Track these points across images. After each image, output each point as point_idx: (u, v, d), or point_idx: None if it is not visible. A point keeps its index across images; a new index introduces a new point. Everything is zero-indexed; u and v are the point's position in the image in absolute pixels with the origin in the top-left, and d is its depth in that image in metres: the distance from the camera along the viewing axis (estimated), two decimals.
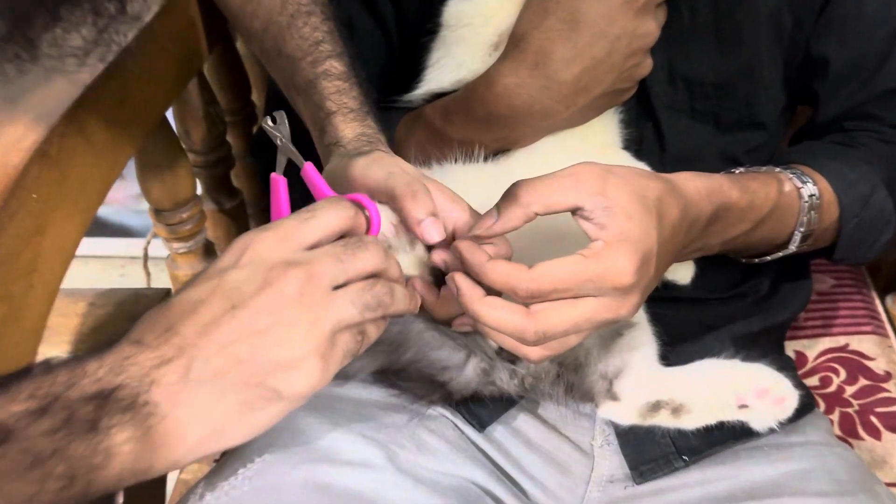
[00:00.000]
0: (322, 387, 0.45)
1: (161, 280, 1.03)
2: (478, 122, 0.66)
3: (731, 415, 0.63)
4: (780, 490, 0.62)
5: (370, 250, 0.48)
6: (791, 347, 0.91)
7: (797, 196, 0.65)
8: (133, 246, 1.58)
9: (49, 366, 0.42)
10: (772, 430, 0.64)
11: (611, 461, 0.67)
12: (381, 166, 0.55)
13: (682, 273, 0.68)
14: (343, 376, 0.61)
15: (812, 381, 0.88)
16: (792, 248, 0.67)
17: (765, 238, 0.66)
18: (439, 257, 0.54)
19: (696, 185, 0.57)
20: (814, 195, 0.65)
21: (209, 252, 0.89)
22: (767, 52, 0.70)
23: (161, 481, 0.72)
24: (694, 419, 0.64)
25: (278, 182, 0.55)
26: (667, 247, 0.54)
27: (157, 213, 0.81)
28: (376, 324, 0.49)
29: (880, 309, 0.98)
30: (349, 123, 0.60)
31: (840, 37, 0.70)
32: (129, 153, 0.64)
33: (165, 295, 0.74)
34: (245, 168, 0.98)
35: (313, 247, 0.47)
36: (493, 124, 0.66)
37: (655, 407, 0.65)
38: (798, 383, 0.73)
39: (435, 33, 0.70)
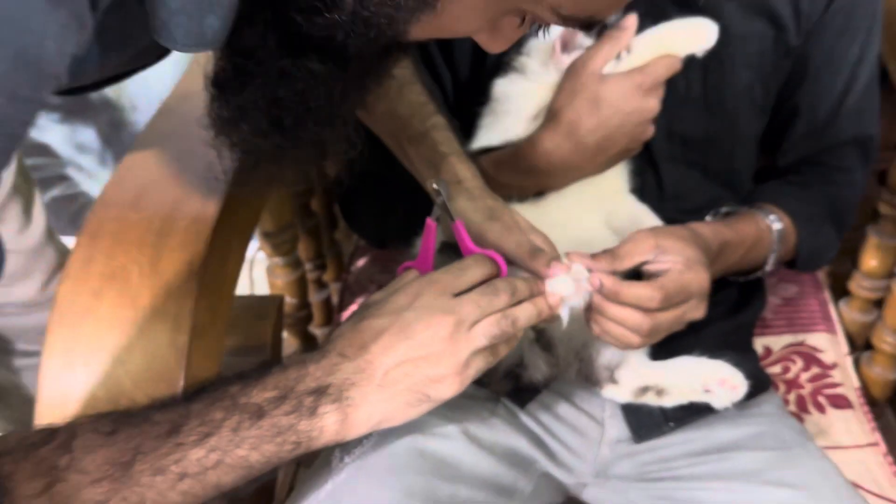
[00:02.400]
0: (458, 393, 0.60)
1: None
2: (522, 172, 0.78)
3: (699, 397, 0.76)
4: (739, 446, 0.75)
5: (500, 296, 0.61)
6: (760, 342, 1.02)
7: (769, 231, 0.81)
8: None
9: (284, 365, 0.57)
10: (727, 409, 0.74)
11: (617, 427, 0.80)
12: (510, 233, 0.66)
13: None
14: None
15: (776, 369, 1.00)
16: (768, 268, 0.82)
17: (749, 262, 0.82)
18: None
19: (707, 230, 0.75)
20: (780, 229, 0.81)
21: (297, 264, 1.03)
22: (744, 115, 0.82)
23: None
24: (671, 399, 0.77)
25: (431, 228, 0.67)
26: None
27: (265, 235, 0.96)
28: (507, 344, 0.62)
29: (832, 312, 1.07)
30: (464, 164, 0.71)
31: (802, 103, 0.85)
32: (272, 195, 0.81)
33: (280, 302, 0.91)
34: (321, 196, 1.11)
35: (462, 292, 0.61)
36: (534, 174, 0.77)
37: (644, 390, 0.77)
38: (757, 371, 0.85)
39: (485, 104, 0.81)
